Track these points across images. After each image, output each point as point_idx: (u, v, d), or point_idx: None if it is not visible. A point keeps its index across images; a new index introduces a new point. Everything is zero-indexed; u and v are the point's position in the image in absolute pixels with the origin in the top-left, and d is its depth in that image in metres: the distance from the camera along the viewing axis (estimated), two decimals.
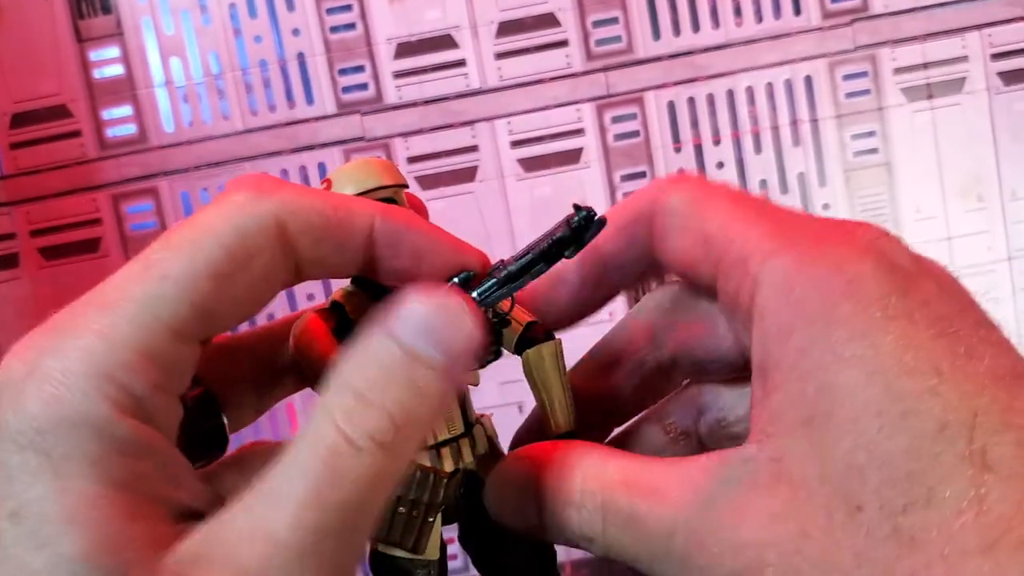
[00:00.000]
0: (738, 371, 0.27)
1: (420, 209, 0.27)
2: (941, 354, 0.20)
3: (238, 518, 0.19)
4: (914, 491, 0.19)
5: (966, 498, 0.19)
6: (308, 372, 0.25)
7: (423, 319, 0.21)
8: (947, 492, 0.19)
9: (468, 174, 0.76)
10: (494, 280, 0.24)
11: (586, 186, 0.75)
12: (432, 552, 0.25)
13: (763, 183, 0.75)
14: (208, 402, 0.25)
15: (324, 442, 0.20)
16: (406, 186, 0.27)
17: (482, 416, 0.27)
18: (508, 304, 0.25)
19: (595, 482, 0.23)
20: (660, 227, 0.26)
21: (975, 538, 0.18)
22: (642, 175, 0.76)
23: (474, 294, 0.24)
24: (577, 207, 0.23)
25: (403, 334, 0.21)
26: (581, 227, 0.23)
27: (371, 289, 0.26)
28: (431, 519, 0.25)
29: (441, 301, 0.21)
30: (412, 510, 0.24)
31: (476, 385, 0.27)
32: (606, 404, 0.28)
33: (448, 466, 0.25)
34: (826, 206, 0.75)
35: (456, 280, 0.25)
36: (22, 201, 0.76)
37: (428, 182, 0.76)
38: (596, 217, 0.23)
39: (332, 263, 0.23)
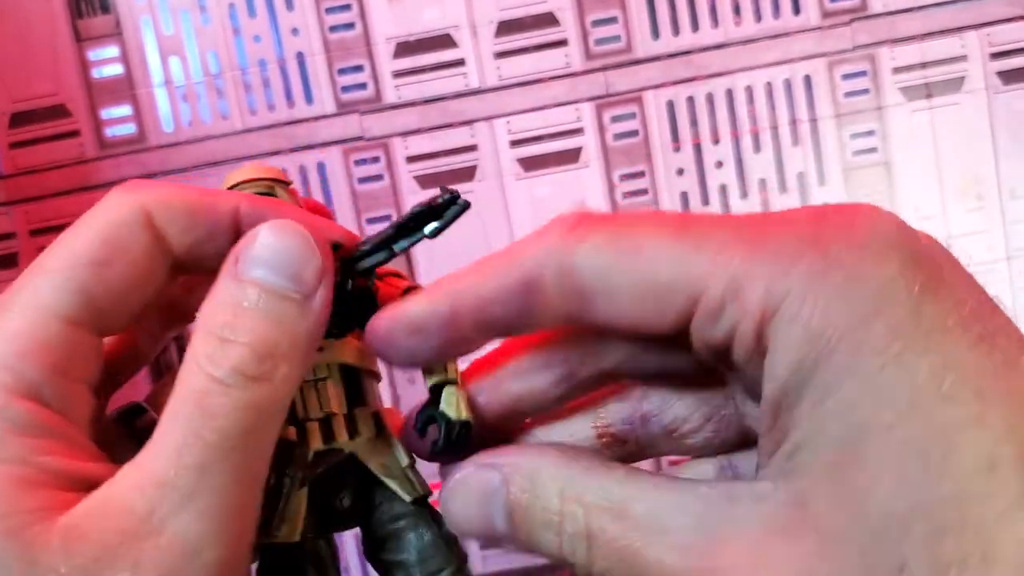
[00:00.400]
0: (700, 380, 0.25)
1: (318, 210, 0.27)
2: (981, 370, 0.18)
3: (127, 474, 0.20)
4: (967, 545, 0.17)
5: None
6: None
7: (264, 250, 0.22)
8: (1005, 545, 0.17)
9: (467, 173, 0.76)
10: (356, 252, 0.24)
11: (585, 185, 0.75)
12: (288, 533, 0.24)
13: (762, 182, 0.75)
14: (135, 408, 0.26)
15: (193, 387, 0.20)
16: (288, 183, 0.27)
17: (384, 409, 0.26)
18: (366, 281, 0.25)
19: (576, 504, 0.21)
20: (577, 291, 0.21)
21: None
22: (641, 174, 0.76)
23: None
24: (443, 188, 0.23)
25: (247, 269, 0.22)
26: (442, 205, 0.23)
27: None
28: (284, 492, 0.24)
29: (279, 231, 0.22)
30: (264, 484, 0.23)
31: (379, 380, 0.26)
32: (519, 405, 0.25)
33: (315, 443, 0.25)
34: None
35: None
36: (21, 201, 0.76)
37: (427, 182, 0.76)
38: (460, 199, 0.23)
39: (204, 253, 0.24)
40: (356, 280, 0.24)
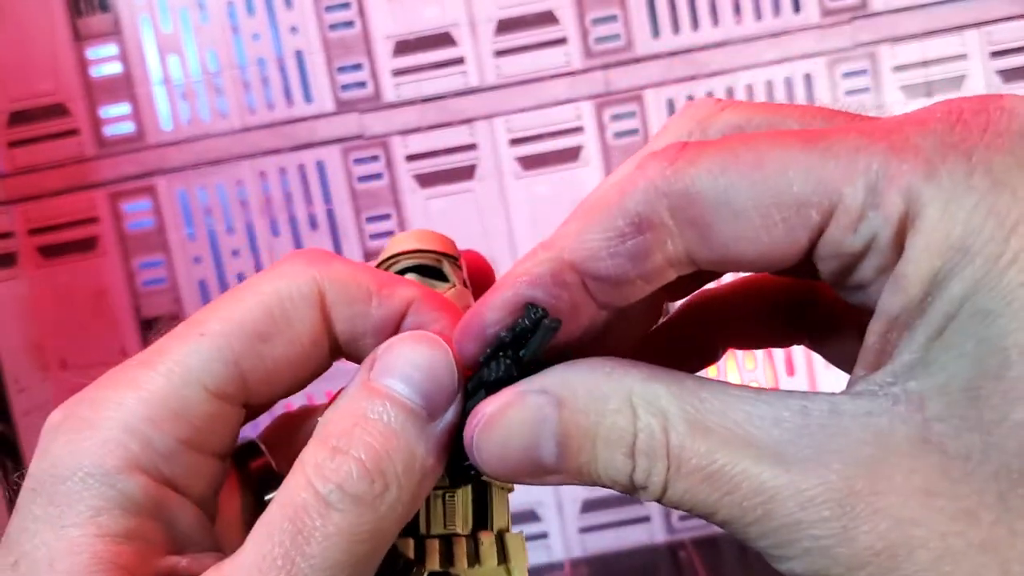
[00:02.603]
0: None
1: (484, 271, 0.26)
2: None
3: None
4: None
5: None
6: None
7: (400, 359, 0.20)
8: None
9: (467, 172, 0.76)
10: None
11: (585, 184, 0.75)
12: None
13: None
14: (251, 447, 0.24)
15: (294, 500, 0.19)
16: (456, 257, 0.25)
17: (509, 531, 0.24)
18: None
19: (653, 415, 0.18)
20: (697, 222, 0.19)
21: None
22: None
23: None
24: (529, 307, 0.19)
25: (379, 376, 0.20)
26: (525, 329, 0.19)
27: None
28: None
29: (422, 344, 0.20)
30: None
31: (510, 490, 0.25)
32: None
33: (432, 563, 0.23)
34: None
35: None
36: (20, 200, 0.76)
37: (427, 180, 0.76)
38: (546, 320, 0.19)
39: (366, 345, 0.22)
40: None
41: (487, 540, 0.24)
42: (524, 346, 0.20)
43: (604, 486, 0.19)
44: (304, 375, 0.22)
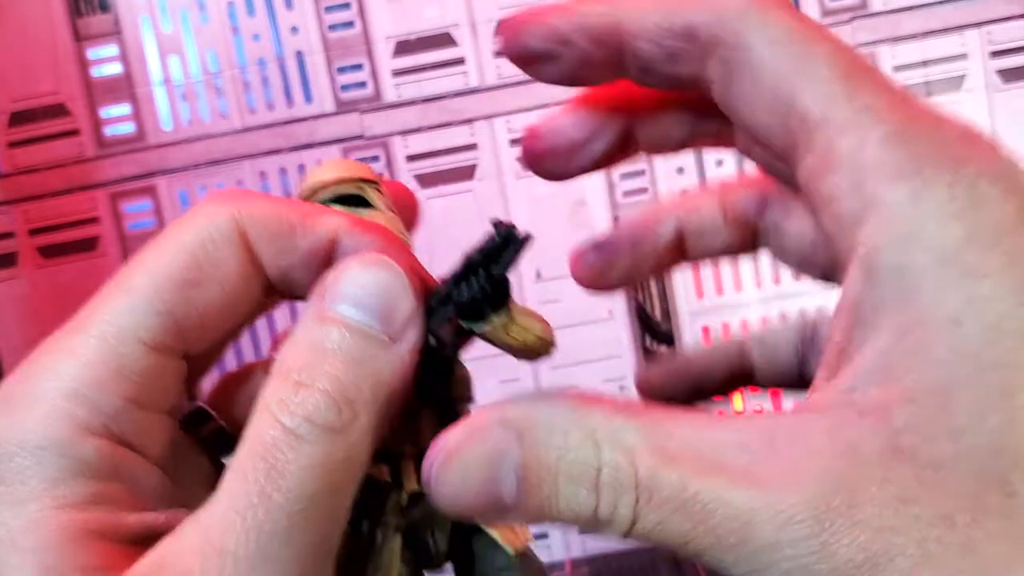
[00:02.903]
0: None
1: (405, 198, 0.26)
2: None
3: (188, 534, 0.18)
4: None
5: None
6: None
7: (351, 285, 0.20)
8: None
9: (467, 172, 0.76)
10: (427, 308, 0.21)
11: (585, 184, 0.75)
12: None
13: None
14: (200, 414, 0.24)
15: (262, 438, 0.18)
16: (376, 182, 0.25)
17: None
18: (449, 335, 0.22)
19: (616, 450, 0.18)
20: (727, 61, 0.19)
21: None
22: (641, 173, 0.76)
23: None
24: (497, 224, 0.20)
25: (332, 305, 0.20)
26: (496, 247, 0.20)
27: None
28: (378, 544, 0.22)
29: (370, 265, 0.20)
30: (354, 531, 0.21)
31: (472, 401, 0.24)
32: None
33: (410, 484, 0.22)
34: None
35: None
36: (20, 200, 0.76)
37: (427, 180, 0.76)
38: (516, 236, 0.20)
39: (297, 279, 0.22)
40: (441, 339, 0.21)
41: None
42: (496, 263, 0.20)
43: (567, 522, 0.19)
44: (239, 316, 0.22)
